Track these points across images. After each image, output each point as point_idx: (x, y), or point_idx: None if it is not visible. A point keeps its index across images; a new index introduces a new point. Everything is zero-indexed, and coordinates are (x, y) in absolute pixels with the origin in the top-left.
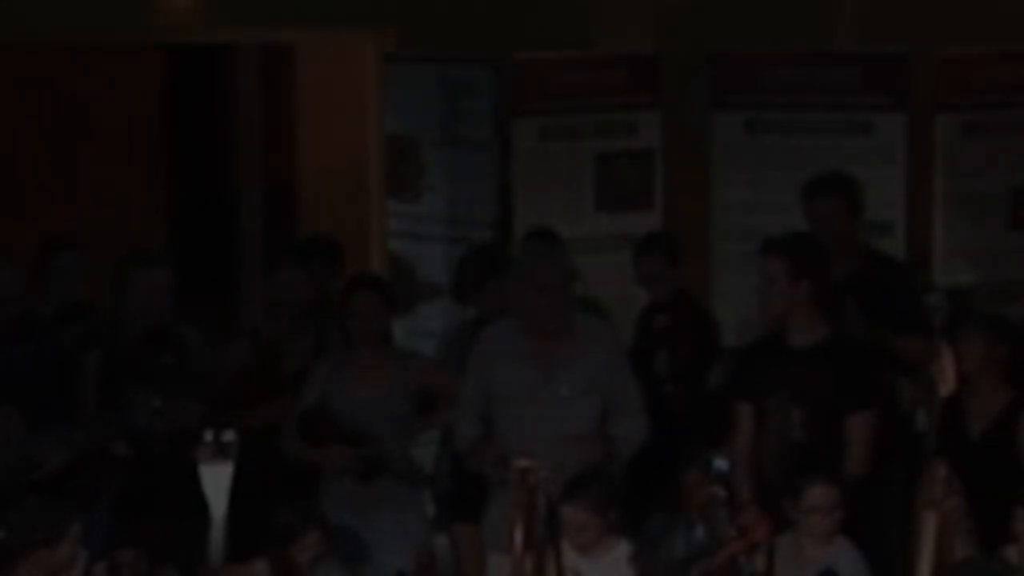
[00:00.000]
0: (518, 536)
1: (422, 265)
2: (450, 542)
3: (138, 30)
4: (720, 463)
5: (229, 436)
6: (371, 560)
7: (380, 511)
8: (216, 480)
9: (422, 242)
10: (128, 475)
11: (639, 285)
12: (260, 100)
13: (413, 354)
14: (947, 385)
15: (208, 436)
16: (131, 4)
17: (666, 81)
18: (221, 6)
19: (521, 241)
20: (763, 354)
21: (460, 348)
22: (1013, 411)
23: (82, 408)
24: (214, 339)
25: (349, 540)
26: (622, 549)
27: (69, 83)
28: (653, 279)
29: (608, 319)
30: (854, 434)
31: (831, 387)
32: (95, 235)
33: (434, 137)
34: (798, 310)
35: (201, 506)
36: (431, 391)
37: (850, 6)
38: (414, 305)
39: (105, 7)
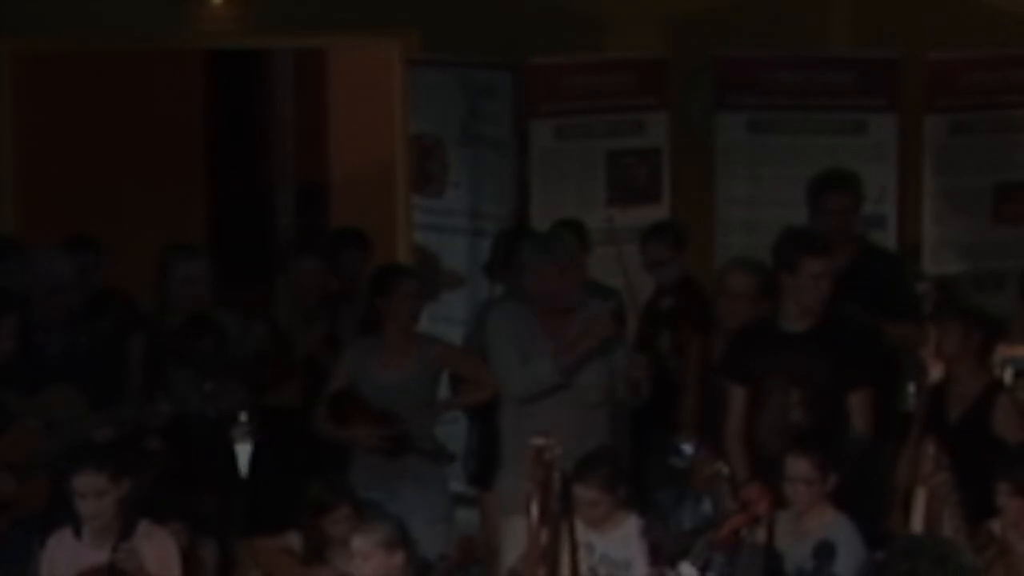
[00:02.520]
0: (534, 511)
1: (445, 256)
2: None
3: (181, 36)
4: (686, 447)
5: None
6: None
7: (405, 486)
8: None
9: (445, 234)
10: (161, 467)
11: (647, 271)
12: (293, 101)
13: (436, 339)
14: (937, 367)
15: (243, 417)
16: (175, 12)
17: (672, 84)
18: (258, 14)
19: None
20: (757, 338)
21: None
22: (988, 396)
23: (128, 391)
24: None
25: (377, 514)
26: (631, 523)
27: (116, 84)
28: (658, 264)
29: (619, 300)
30: (855, 409)
31: (827, 369)
32: (139, 228)
33: (456, 136)
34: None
35: (238, 483)
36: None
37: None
38: (438, 293)
39: (151, 14)
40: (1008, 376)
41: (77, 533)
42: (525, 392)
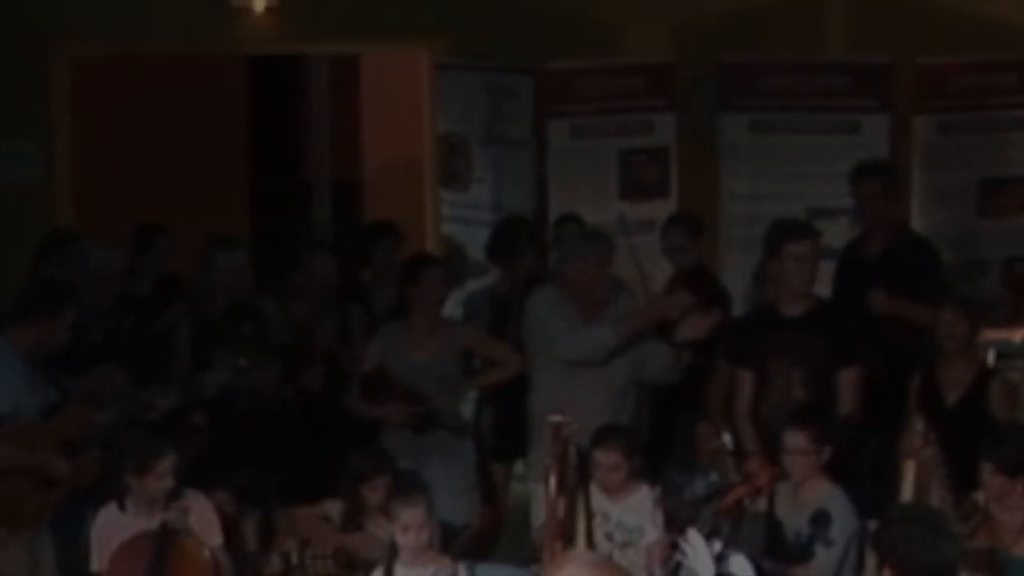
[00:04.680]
0: (552, 483)
1: (470, 246)
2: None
3: (225, 42)
4: (726, 437)
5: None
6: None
7: (431, 459)
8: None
9: (470, 227)
10: (205, 439)
11: (665, 256)
12: (329, 104)
13: (461, 322)
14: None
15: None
16: (219, 19)
17: (679, 86)
18: (296, 21)
19: (554, 224)
20: (760, 324)
21: (487, 310)
22: (982, 380)
23: (176, 370)
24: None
25: (413, 483)
26: (644, 492)
27: (165, 87)
28: (676, 250)
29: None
30: (843, 386)
31: (823, 349)
32: (186, 222)
33: (480, 136)
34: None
35: (277, 457)
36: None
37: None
38: (463, 281)
39: (198, 22)
40: (991, 358)
41: (122, 506)
42: (579, 356)
